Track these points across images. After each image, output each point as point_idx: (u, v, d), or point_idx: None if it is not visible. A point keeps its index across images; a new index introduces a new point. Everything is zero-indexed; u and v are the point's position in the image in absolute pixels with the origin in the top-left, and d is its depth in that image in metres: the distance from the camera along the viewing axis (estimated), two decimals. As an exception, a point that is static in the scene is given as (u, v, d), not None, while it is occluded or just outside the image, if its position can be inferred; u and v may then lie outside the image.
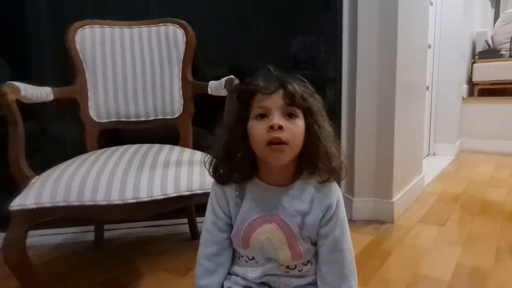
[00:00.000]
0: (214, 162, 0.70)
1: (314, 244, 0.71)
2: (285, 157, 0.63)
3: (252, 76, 0.67)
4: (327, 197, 0.69)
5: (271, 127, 0.60)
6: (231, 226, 0.72)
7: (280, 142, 0.60)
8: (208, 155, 0.71)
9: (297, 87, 0.64)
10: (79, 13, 1.53)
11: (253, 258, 0.72)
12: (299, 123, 0.63)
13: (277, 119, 0.61)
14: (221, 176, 0.70)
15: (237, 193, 0.70)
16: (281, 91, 0.63)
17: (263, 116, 0.63)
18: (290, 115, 0.63)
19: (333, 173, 0.67)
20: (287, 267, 0.71)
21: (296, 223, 0.68)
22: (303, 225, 0.68)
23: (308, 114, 0.65)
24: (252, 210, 0.69)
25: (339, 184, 0.71)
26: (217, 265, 0.73)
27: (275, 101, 0.62)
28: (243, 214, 0.69)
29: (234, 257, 0.76)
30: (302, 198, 0.68)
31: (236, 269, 0.74)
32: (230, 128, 0.68)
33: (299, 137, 0.63)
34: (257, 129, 0.62)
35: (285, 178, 0.69)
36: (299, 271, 0.72)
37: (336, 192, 0.70)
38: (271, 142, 0.60)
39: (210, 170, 0.70)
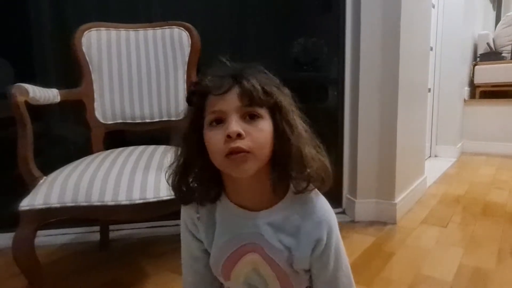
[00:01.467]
0: (173, 178, 0.58)
1: (308, 270, 0.62)
2: (249, 167, 0.51)
3: (204, 73, 0.56)
4: (315, 228, 0.57)
5: (228, 136, 0.49)
6: (207, 252, 0.63)
7: (241, 151, 0.50)
8: (168, 170, 0.59)
9: (255, 81, 0.52)
10: (83, 15, 1.55)
11: None
12: (264, 125, 0.52)
13: (234, 125, 0.49)
14: (183, 193, 0.59)
15: (198, 215, 0.60)
16: (236, 89, 0.51)
17: (219, 121, 0.52)
18: (251, 117, 0.52)
19: (310, 181, 0.55)
20: None
21: (283, 259, 0.58)
22: (291, 260, 0.58)
23: (276, 111, 0.54)
24: (228, 239, 0.59)
25: (322, 191, 0.60)
26: None
27: (231, 102, 0.51)
28: (219, 243, 0.60)
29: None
30: (285, 229, 0.58)
31: None
32: (184, 138, 0.57)
33: (264, 142, 0.52)
34: (213, 139, 0.51)
35: (260, 199, 0.57)
36: None
37: (327, 219, 0.58)
38: (230, 153, 0.50)
39: (173, 188, 0.59)
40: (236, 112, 0.51)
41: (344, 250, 0.63)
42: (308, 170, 0.54)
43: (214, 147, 0.51)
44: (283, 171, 0.54)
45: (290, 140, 0.53)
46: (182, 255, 0.66)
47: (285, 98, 0.55)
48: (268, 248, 0.58)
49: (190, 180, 0.58)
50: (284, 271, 0.59)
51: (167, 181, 0.59)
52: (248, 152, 0.50)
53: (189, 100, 0.56)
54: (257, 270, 0.60)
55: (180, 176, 0.58)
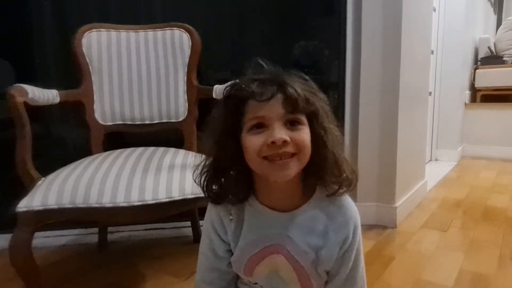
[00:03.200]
0: (204, 178, 0.59)
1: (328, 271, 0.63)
2: (292, 172, 0.52)
3: (242, 76, 0.56)
4: (343, 227, 0.59)
5: (273, 143, 0.50)
6: (230, 251, 0.64)
7: (287, 156, 0.51)
8: (197, 169, 0.60)
9: (298, 88, 0.52)
10: (83, 16, 1.54)
11: (256, 283, 0.65)
12: (305, 131, 0.53)
13: (279, 131, 0.50)
14: (215, 194, 0.60)
15: (231, 217, 0.60)
16: (279, 96, 0.51)
17: (260, 126, 0.52)
18: (292, 123, 0.52)
19: (342, 184, 0.57)
20: None
21: (309, 260, 0.59)
22: (317, 261, 0.59)
23: (313, 117, 0.54)
24: (254, 239, 0.60)
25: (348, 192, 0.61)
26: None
27: (274, 109, 0.51)
28: (244, 243, 0.60)
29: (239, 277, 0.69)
30: (313, 230, 0.59)
31: (243, 287, 0.68)
32: (218, 141, 0.56)
33: (307, 146, 0.52)
34: (254, 143, 0.51)
35: (289, 200, 0.58)
36: None
37: (354, 217, 0.60)
38: (272, 158, 0.51)
39: (203, 188, 0.60)
40: (279, 119, 0.51)
41: (362, 252, 0.64)
42: (344, 175, 0.56)
43: (254, 151, 0.51)
44: (317, 174, 0.56)
45: (326, 145, 0.54)
46: (202, 252, 0.66)
47: (321, 104, 0.56)
48: (293, 249, 0.58)
49: (222, 181, 0.58)
50: (306, 273, 0.59)
51: (194, 181, 0.60)
52: (293, 155, 0.51)
53: (227, 104, 0.56)
54: (278, 272, 0.60)
55: (212, 177, 0.58)
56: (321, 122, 0.55)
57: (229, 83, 0.58)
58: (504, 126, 3.43)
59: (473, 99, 3.79)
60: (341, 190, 0.58)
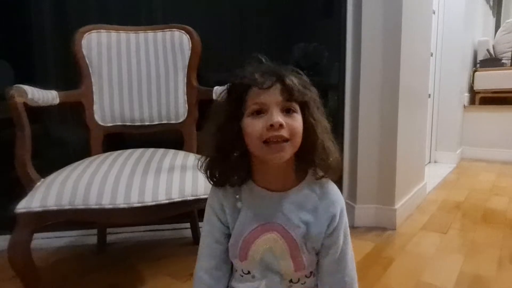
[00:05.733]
0: (207, 164, 0.65)
1: (317, 253, 0.68)
2: (286, 155, 0.59)
3: (243, 68, 0.62)
4: (331, 206, 0.65)
5: (271, 126, 0.56)
6: (229, 237, 0.68)
7: (282, 140, 0.57)
8: (201, 157, 0.65)
9: (295, 80, 0.60)
10: (83, 17, 1.55)
11: (248, 273, 0.68)
12: (299, 118, 0.60)
13: (276, 116, 0.57)
14: (217, 178, 0.66)
15: (237, 196, 0.66)
16: (278, 85, 0.58)
17: (259, 112, 0.59)
18: (288, 111, 0.59)
19: (329, 170, 0.64)
20: (290, 281, 0.67)
21: (300, 234, 0.64)
22: (308, 236, 0.64)
23: (305, 107, 0.61)
24: (250, 218, 0.65)
25: (334, 181, 0.68)
26: (216, 280, 0.69)
27: (273, 96, 0.58)
28: (241, 223, 0.65)
29: (233, 272, 0.72)
30: (304, 206, 0.64)
31: (236, 285, 0.70)
32: (221, 126, 0.62)
33: (299, 132, 0.59)
34: (254, 126, 0.58)
35: (284, 182, 0.64)
36: (302, 284, 0.68)
37: (340, 200, 0.67)
38: (269, 141, 0.57)
39: (206, 173, 0.65)
40: (277, 105, 0.58)
41: (350, 238, 0.69)
42: (330, 159, 0.63)
43: (254, 134, 0.58)
44: (308, 158, 0.62)
45: (316, 133, 0.61)
46: (202, 240, 0.70)
47: (313, 96, 0.63)
48: (286, 223, 0.64)
49: (224, 165, 0.64)
50: (298, 247, 0.64)
51: (199, 169, 0.65)
52: (287, 140, 0.58)
53: (231, 92, 0.62)
54: (272, 250, 0.65)
55: (215, 162, 0.64)
56: (312, 112, 0.62)
57: (228, 85, 0.64)
58: (503, 128, 3.44)
59: (472, 102, 3.80)
60: (328, 174, 0.64)
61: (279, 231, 0.64)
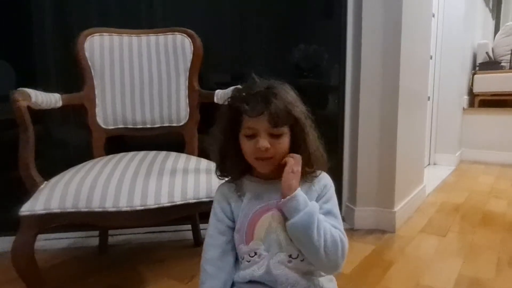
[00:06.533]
0: (216, 164, 0.78)
1: None
2: (271, 167, 0.72)
3: (240, 89, 0.73)
4: (322, 179, 0.77)
5: (259, 148, 0.68)
6: (232, 230, 0.77)
7: (266, 158, 0.70)
8: (212, 154, 0.79)
9: (281, 104, 0.68)
10: (85, 20, 1.56)
11: (255, 254, 0.73)
12: (284, 140, 0.71)
13: (263, 142, 0.68)
14: (222, 173, 0.78)
15: (239, 194, 0.77)
16: (266, 114, 0.68)
17: (251, 134, 0.70)
18: (274, 135, 0.69)
19: (315, 165, 0.74)
20: (290, 256, 0.72)
21: None
22: None
23: (294, 123, 0.71)
24: (252, 203, 0.74)
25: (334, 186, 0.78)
26: (218, 269, 0.75)
27: (261, 124, 0.68)
28: (245, 209, 0.75)
29: (237, 264, 0.77)
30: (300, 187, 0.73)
31: (241, 274, 0.74)
32: (223, 139, 0.75)
33: (283, 151, 0.71)
34: (248, 147, 0.71)
35: (278, 172, 0.72)
36: (301, 260, 0.72)
37: (328, 179, 0.78)
38: (258, 158, 0.70)
39: (216, 167, 0.78)
40: (264, 131, 0.69)
41: (340, 217, 0.77)
42: (314, 168, 0.74)
43: (248, 152, 0.71)
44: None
45: (302, 146, 0.72)
46: (208, 233, 0.78)
47: (302, 113, 0.72)
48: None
49: (227, 163, 0.77)
50: None
51: (214, 161, 0.78)
52: (271, 158, 0.70)
53: (228, 113, 0.73)
54: (271, 224, 0.72)
55: (220, 162, 0.77)
56: (300, 129, 0.72)
57: (230, 90, 0.75)
58: (502, 131, 3.45)
59: (471, 104, 3.81)
60: (314, 174, 0.75)
61: (275, 209, 0.73)
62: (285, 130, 0.71)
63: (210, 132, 0.78)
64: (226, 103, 0.75)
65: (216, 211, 0.78)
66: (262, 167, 0.72)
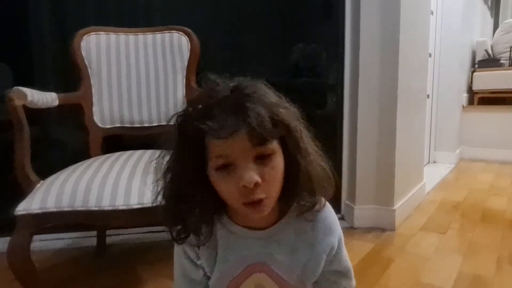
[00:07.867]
0: (165, 214, 0.54)
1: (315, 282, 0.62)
2: (267, 210, 0.49)
3: (193, 101, 0.49)
4: (328, 234, 0.57)
5: (244, 186, 0.45)
6: (206, 275, 0.60)
7: (261, 200, 0.47)
8: (159, 203, 0.54)
9: (261, 108, 0.45)
10: (82, 19, 1.55)
11: None
12: (277, 161, 0.48)
13: (248, 174, 0.44)
14: (178, 233, 0.54)
15: (198, 251, 0.56)
16: (243, 130, 0.44)
17: (226, 165, 0.46)
18: (262, 157, 0.46)
19: (316, 194, 0.54)
20: None
21: (294, 276, 0.57)
22: (305, 275, 0.58)
23: (286, 137, 0.49)
24: (234, 261, 0.56)
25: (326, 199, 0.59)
26: None
27: (238, 144, 0.44)
28: (223, 267, 0.56)
29: None
30: (298, 245, 0.56)
31: None
32: (177, 185, 0.51)
33: (279, 179, 0.49)
34: (226, 189, 0.47)
35: (266, 219, 0.54)
36: None
37: (336, 227, 0.59)
38: (248, 203, 0.47)
39: (168, 227, 0.55)
40: (246, 156, 0.45)
41: (350, 264, 0.64)
42: (316, 197, 0.53)
43: (228, 196, 0.48)
44: (292, 193, 0.52)
45: (300, 165, 0.50)
46: (175, 277, 0.62)
47: (293, 119, 0.49)
48: (277, 268, 0.56)
49: (184, 209, 0.51)
50: (291, 286, 0.58)
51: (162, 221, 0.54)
52: (266, 198, 0.47)
53: (181, 137, 0.48)
54: (262, 285, 0.58)
55: (177, 219, 0.53)
56: (295, 142, 0.49)
57: (179, 111, 0.50)
58: (501, 128, 3.45)
59: (470, 102, 3.81)
60: (315, 208, 0.54)
61: (267, 272, 0.56)
62: (275, 146, 0.47)
63: (155, 179, 0.52)
64: (176, 125, 0.49)
65: (183, 262, 0.59)
66: (255, 214, 0.48)
